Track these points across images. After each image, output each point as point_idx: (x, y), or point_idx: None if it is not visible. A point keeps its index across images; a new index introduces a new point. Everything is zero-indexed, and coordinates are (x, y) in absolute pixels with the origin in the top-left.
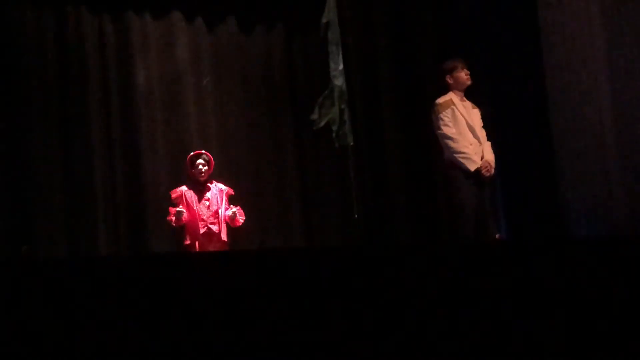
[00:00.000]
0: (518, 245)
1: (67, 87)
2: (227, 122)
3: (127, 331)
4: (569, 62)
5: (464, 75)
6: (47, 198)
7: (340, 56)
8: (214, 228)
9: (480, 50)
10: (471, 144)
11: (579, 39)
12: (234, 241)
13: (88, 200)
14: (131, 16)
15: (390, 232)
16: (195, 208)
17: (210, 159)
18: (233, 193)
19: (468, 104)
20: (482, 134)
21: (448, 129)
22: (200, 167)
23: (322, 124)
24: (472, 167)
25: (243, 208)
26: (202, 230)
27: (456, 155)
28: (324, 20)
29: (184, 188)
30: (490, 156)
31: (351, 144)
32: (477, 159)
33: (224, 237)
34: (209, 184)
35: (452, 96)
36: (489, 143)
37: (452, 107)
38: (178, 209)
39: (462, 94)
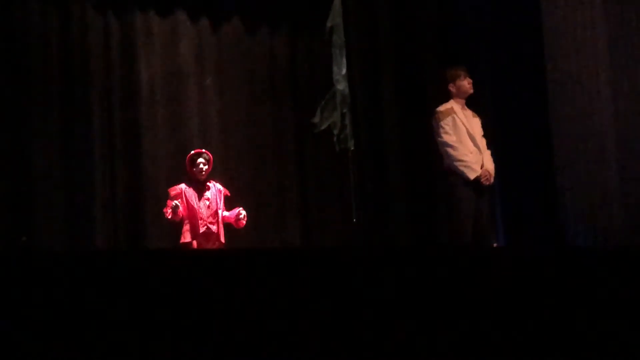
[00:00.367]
0: (515, 253)
1: (70, 83)
2: (229, 122)
3: (121, 326)
4: (571, 73)
5: (466, 84)
6: (46, 192)
7: (344, 60)
8: (213, 228)
9: (483, 58)
10: (471, 152)
11: (582, 50)
12: (231, 242)
13: (87, 195)
14: (136, 14)
15: (388, 237)
16: (195, 206)
17: (210, 158)
18: (229, 194)
19: (469, 112)
20: (482, 142)
21: (448, 137)
22: (201, 166)
23: (324, 127)
24: (472, 176)
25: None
26: (201, 230)
27: (456, 163)
28: (328, 24)
29: (183, 186)
30: (490, 165)
31: (352, 148)
32: (477, 167)
33: (222, 238)
34: (208, 183)
35: (453, 104)
36: (488, 152)
37: (453, 115)
38: (175, 202)
39: (464, 102)
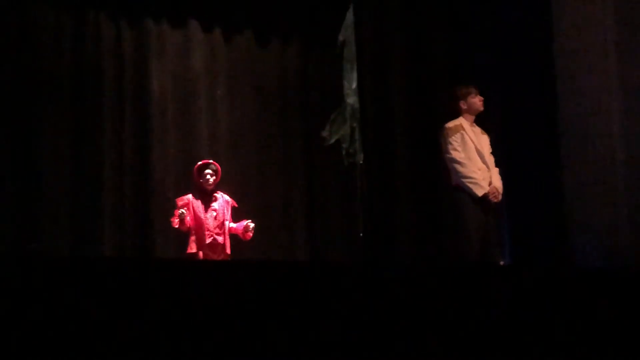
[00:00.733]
0: (521, 271)
1: (82, 90)
2: (238, 134)
3: (122, 334)
4: (582, 92)
5: (477, 101)
6: (55, 198)
7: (355, 74)
8: (219, 239)
9: (493, 76)
10: (479, 169)
11: (594, 69)
12: (236, 254)
13: (96, 201)
14: (149, 23)
15: (394, 253)
16: (202, 217)
17: (218, 168)
18: (237, 206)
19: (477, 129)
20: (490, 159)
21: (457, 154)
22: (208, 177)
23: (333, 141)
24: (480, 193)
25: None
26: (207, 240)
27: (464, 180)
28: (340, 38)
29: (190, 196)
30: (498, 182)
31: (360, 162)
32: (485, 184)
33: (227, 249)
34: (215, 194)
35: (462, 121)
36: (497, 169)
37: (462, 131)
38: (181, 210)
39: (473, 119)
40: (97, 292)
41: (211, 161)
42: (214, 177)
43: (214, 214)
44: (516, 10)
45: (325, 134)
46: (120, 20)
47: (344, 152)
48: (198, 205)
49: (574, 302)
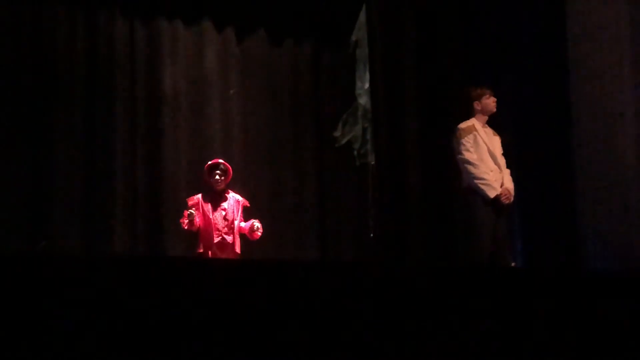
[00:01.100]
0: (533, 273)
1: (95, 88)
2: (250, 133)
3: (132, 331)
4: (595, 96)
5: (491, 102)
6: (67, 196)
7: (367, 75)
8: (228, 239)
9: (507, 78)
10: (492, 171)
11: (607, 73)
12: (247, 254)
13: (108, 200)
14: (162, 22)
15: (405, 253)
16: (210, 217)
17: (227, 168)
18: (248, 205)
19: (489, 130)
20: (502, 161)
21: (469, 155)
22: (217, 176)
23: (344, 141)
24: (492, 194)
25: (259, 220)
26: (216, 240)
27: (476, 182)
28: (353, 38)
29: (200, 196)
30: (509, 184)
31: (372, 163)
32: (497, 186)
33: (237, 249)
34: (225, 194)
35: (474, 122)
36: (508, 171)
37: (475, 132)
38: (190, 210)
39: (485, 120)
40: (107, 290)
41: (221, 161)
42: (223, 177)
43: (223, 213)
44: (530, 13)
45: (337, 134)
46: (133, 19)
47: (355, 153)
48: (207, 204)
49: (585, 305)
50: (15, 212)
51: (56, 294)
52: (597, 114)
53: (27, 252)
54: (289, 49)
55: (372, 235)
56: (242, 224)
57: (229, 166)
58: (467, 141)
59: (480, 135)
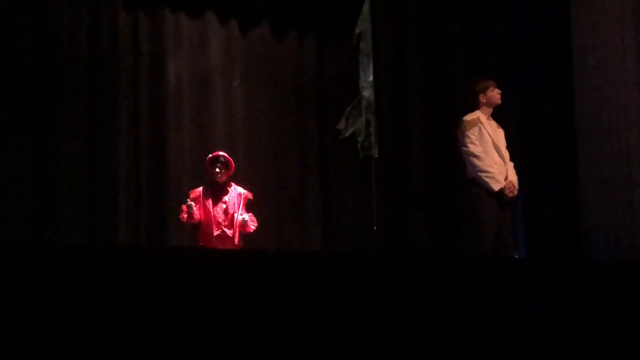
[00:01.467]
0: (535, 265)
1: (98, 81)
2: (254, 125)
3: (136, 322)
4: (600, 89)
5: (496, 95)
6: (70, 188)
7: (371, 68)
8: (228, 232)
9: (511, 70)
10: (496, 164)
11: (612, 65)
12: (248, 246)
13: (111, 192)
14: (166, 14)
15: (409, 246)
16: (210, 210)
17: (229, 161)
18: (251, 197)
19: (493, 123)
20: (506, 154)
21: (474, 147)
22: (218, 169)
23: (348, 133)
24: (496, 187)
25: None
26: (215, 233)
27: (481, 174)
28: (356, 30)
29: (201, 189)
30: (513, 177)
31: (376, 155)
32: (501, 178)
33: (237, 241)
34: (227, 187)
35: (479, 114)
36: (512, 164)
37: (479, 125)
38: (189, 203)
39: (490, 112)
40: (111, 281)
41: (221, 153)
42: (224, 170)
43: (224, 206)
44: (534, 4)
45: (340, 126)
46: (137, 11)
47: (359, 145)
48: (208, 197)
49: (588, 297)
50: (19, 206)
51: (57, 285)
52: (601, 105)
53: (30, 242)
54: (292, 41)
55: (375, 227)
56: (239, 218)
57: (230, 159)
58: (472, 134)
59: (485, 128)
